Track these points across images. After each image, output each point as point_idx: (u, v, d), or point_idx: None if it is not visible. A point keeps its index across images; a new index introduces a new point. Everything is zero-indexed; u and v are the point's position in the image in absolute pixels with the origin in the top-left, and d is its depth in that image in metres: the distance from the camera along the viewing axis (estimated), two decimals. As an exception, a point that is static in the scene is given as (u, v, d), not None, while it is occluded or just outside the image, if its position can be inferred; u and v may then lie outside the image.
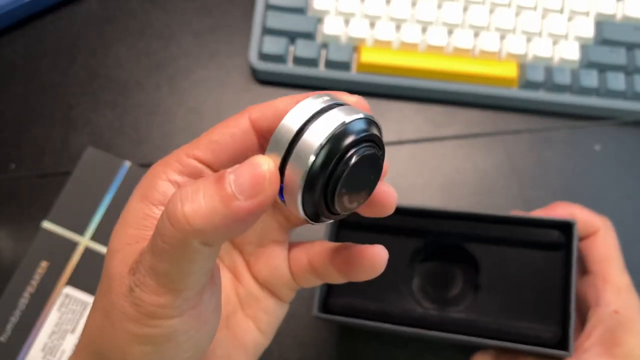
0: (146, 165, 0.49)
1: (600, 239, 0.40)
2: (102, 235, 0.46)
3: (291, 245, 0.28)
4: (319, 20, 0.51)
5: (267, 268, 0.27)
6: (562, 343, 0.36)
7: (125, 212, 0.23)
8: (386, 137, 0.51)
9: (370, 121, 0.21)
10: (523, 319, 0.37)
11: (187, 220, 0.19)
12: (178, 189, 0.20)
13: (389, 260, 0.35)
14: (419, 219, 0.40)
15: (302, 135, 0.20)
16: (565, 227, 0.38)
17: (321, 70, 0.51)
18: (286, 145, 0.20)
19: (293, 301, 0.29)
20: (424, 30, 0.51)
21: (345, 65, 0.50)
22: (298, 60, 0.51)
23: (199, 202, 0.19)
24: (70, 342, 0.43)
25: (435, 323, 0.37)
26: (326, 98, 0.21)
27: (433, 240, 0.40)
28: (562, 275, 0.38)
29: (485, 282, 0.38)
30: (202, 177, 0.20)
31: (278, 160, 0.20)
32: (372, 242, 0.25)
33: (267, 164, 0.19)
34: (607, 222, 0.41)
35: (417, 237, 0.40)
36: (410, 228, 0.40)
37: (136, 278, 0.20)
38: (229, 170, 0.19)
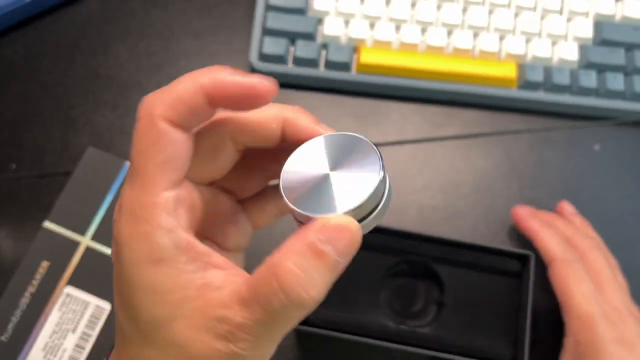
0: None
1: (553, 272, 0.42)
2: (103, 235, 0.46)
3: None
4: (319, 21, 0.51)
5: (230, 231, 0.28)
6: None
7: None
8: (386, 138, 0.51)
9: None
10: (482, 337, 0.41)
11: (314, 300, 0.21)
12: (287, 271, 0.21)
13: (364, 274, 0.36)
14: (394, 239, 0.43)
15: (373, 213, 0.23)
16: (524, 258, 0.42)
17: (321, 71, 0.51)
18: (364, 212, 0.23)
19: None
20: (423, 30, 0.51)
21: (345, 66, 0.51)
22: (298, 61, 0.51)
23: (318, 282, 0.21)
24: (71, 342, 0.43)
25: (403, 337, 0.41)
26: (381, 165, 0.23)
27: (405, 259, 0.43)
28: (519, 301, 0.41)
29: (449, 302, 0.42)
30: (297, 252, 0.21)
31: (352, 212, 0.22)
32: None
33: (354, 226, 0.22)
34: (563, 255, 0.42)
35: (391, 255, 0.43)
36: (387, 246, 0.42)
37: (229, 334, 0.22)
38: (320, 237, 0.21)
